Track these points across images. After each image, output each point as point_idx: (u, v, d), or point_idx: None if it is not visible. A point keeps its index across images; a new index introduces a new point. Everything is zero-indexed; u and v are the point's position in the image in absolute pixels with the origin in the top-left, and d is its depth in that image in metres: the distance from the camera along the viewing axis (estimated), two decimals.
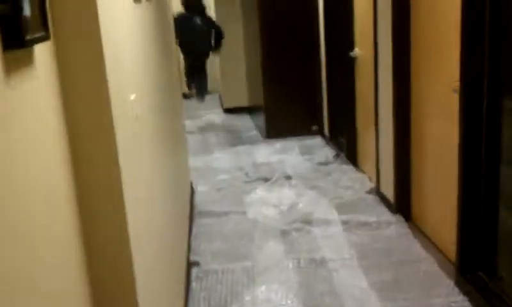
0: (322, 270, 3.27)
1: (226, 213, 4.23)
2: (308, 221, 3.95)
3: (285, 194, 4.50)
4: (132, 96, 1.74)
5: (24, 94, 1.07)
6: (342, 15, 5.04)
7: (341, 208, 4.11)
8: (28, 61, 1.10)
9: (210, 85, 8.07)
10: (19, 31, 1.00)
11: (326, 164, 5.25)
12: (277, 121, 6.22)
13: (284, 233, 3.81)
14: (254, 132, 6.81)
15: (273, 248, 3.61)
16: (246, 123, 7.37)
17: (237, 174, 5.16)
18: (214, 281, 3.24)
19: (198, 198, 4.60)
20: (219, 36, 7.29)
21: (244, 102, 7.87)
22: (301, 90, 6.25)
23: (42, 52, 1.17)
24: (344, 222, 3.87)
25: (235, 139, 6.58)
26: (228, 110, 8.01)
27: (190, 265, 3.39)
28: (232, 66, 7.81)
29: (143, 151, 1.91)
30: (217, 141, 6.57)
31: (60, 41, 1.27)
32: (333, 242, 3.62)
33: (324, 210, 4.12)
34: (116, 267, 1.46)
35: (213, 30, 7.30)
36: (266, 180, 4.89)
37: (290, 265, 3.35)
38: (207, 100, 8.07)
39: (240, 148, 6.03)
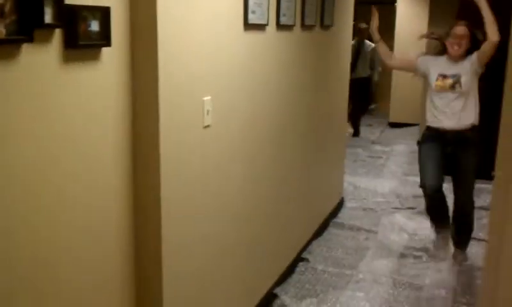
0: (413, 294, 3.45)
1: (358, 229, 4.57)
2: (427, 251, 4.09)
3: (424, 225, 4.62)
4: (206, 110, 2.30)
5: (90, 77, 1.76)
6: None
7: None
8: (95, 57, 1.78)
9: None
10: (79, 38, 1.68)
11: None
12: None
13: (401, 256, 4.02)
14: None
15: (381, 266, 3.86)
16: None
17: (392, 199, 5.39)
18: (313, 277, 3.67)
19: (343, 211, 5.01)
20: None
21: None
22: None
23: (107, 53, 1.85)
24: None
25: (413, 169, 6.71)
26: None
27: (299, 259, 3.87)
28: None
29: (210, 158, 2.39)
30: (394, 169, 6.77)
31: (127, 49, 1.94)
32: (439, 275, 3.72)
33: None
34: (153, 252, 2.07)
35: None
36: (413, 208, 5.05)
37: (386, 283, 3.59)
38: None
39: (411, 178, 6.17)
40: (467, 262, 3.93)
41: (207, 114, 2.31)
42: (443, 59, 3.79)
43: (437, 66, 3.77)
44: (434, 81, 3.74)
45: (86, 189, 1.80)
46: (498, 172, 1.73)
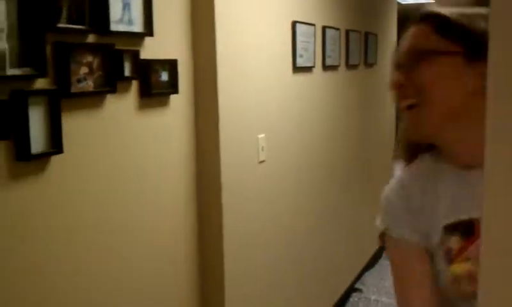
0: None
1: None
2: None
3: None
4: (261, 147, 2.52)
5: (161, 120, 2.00)
6: None
7: None
8: (165, 103, 2.03)
9: None
10: (152, 88, 1.93)
11: None
12: None
13: None
14: None
15: None
16: None
17: None
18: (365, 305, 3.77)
19: None
20: None
21: None
22: None
23: (175, 100, 2.09)
24: None
25: None
26: None
27: (353, 289, 3.97)
28: None
29: (265, 191, 2.64)
30: None
31: (191, 95, 2.18)
32: None
33: None
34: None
35: None
36: None
37: None
38: None
39: None
40: None
41: (262, 150, 2.51)
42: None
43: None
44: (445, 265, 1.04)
45: (157, 213, 2.02)
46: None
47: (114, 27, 1.72)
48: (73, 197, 1.64)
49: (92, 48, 1.66)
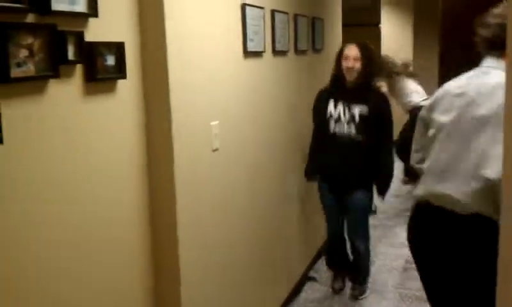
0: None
1: None
2: None
3: None
4: (214, 134, 2.43)
5: (108, 108, 1.87)
6: None
7: None
8: (112, 89, 1.90)
9: None
10: (98, 72, 1.80)
11: None
12: None
13: (403, 270, 4.13)
14: None
15: (385, 280, 3.96)
16: None
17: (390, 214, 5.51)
18: (320, 295, 3.75)
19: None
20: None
21: None
22: None
23: (123, 85, 1.97)
24: None
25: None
26: None
27: (307, 278, 3.95)
28: None
29: (220, 180, 2.53)
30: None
31: (139, 81, 2.07)
32: None
33: None
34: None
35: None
36: None
37: (394, 297, 3.69)
38: None
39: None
40: None
41: (215, 137, 2.42)
42: None
43: None
44: None
45: (107, 205, 1.90)
46: None
47: (55, 6, 1.59)
48: (14, 191, 1.50)
49: (32, 29, 1.53)
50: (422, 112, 2.21)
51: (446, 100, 2.06)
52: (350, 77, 3.39)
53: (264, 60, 3.05)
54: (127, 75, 1.96)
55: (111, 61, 1.87)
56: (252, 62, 2.85)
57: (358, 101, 3.38)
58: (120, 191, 1.97)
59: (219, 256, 2.53)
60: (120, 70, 1.92)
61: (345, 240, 3.81)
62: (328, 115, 3.45)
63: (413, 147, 2.28)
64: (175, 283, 2.19)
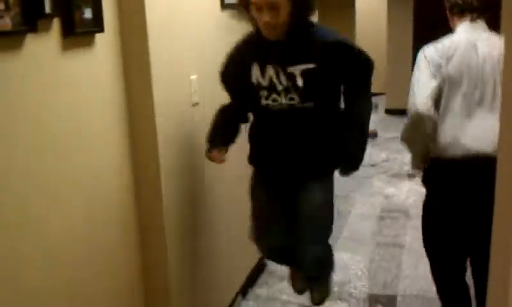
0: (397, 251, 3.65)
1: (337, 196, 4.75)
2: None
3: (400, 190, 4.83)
4: (193, 88, 2.41)
5: (87, 62, 1.84)
6: None
7: None
8: (90, 43, 1.87)
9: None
10: (75, 26, 1.76)
11: None
12: None
13: (380, 219, 4.24)
14: None
15: (363, 229, 4.07)
16: None
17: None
18: None
19: None
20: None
21: None
22: None
23: (101, 39, 1.93)
24: None
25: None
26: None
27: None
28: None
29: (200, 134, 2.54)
30: None
31: (117, 34, 2.03)
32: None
33: None
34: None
35: None
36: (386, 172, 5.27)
37: (371, 243, 3.79)
38: None
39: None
40: None
41: (195, 92, 2.41)
42: None
43: None
44: None
45: (89, 158, 1.90)
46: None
47: None
48: None
49: None
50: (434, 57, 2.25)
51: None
52: (272, 37, 2.22)
53: (241, 12, 3.01)
54: (105, 29, 1.92)
55: (88, 13, 1.83)
56: (229, 14, 2.82)
57: (297, 58, 2.24)
58: (102, 146, 1.96)
59: (201, 209, 2.56)
60: (97, 23, 1.88)
61: (293, 252, 2.56)
62: (255, 84, 2.32)
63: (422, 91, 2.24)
64: (160, 235, 2.21)
